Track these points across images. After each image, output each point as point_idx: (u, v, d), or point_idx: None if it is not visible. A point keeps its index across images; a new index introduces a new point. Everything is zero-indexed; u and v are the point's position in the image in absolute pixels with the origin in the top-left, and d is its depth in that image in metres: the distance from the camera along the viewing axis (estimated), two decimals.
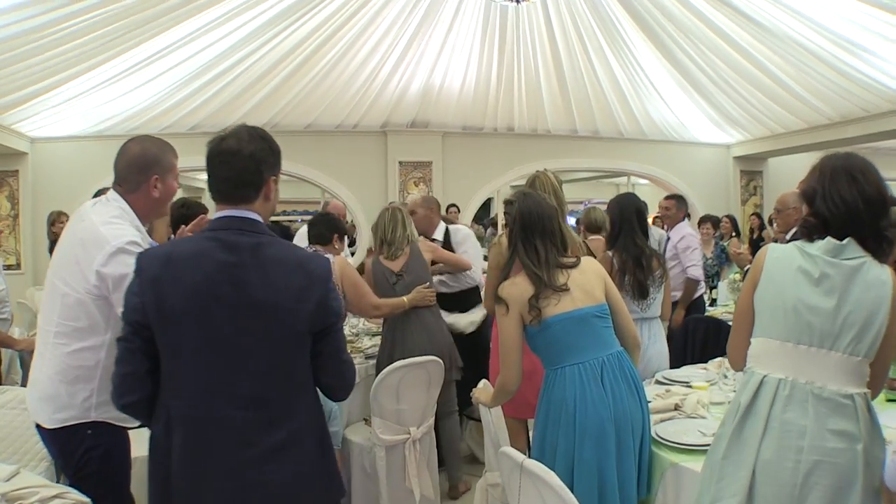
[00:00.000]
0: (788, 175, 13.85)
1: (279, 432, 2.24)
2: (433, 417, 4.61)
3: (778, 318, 2.41)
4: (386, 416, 4.29)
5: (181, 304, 2.17)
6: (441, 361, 4.49)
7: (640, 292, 4.55)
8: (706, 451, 2.68)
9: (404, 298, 4.81)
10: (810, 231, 2.45)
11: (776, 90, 11.06)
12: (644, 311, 4.58)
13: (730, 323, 3.23)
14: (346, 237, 4.60)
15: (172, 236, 3.62)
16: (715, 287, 8.00)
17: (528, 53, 11.05)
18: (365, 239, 12.38)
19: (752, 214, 13.49)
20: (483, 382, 3.63)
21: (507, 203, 3.34)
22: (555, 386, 3.05)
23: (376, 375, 4.34)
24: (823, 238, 2.40)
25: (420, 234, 5.60)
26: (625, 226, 4.61)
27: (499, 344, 3.16)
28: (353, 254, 12.23)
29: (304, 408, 2.32)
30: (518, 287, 3.08)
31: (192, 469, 2.21)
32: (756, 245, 11.57)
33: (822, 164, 2.50)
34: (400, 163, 13.13)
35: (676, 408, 3.44)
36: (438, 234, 5.81)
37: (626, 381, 3.05)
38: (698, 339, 5.97)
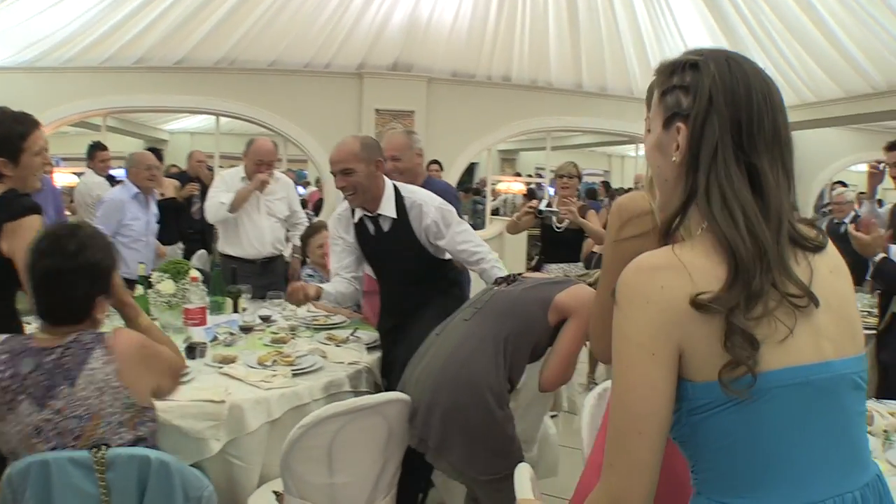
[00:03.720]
0: (815, 152, 12.55)
1: None
2: (393, 493, 2.84)
3: None
4: (309, 495, 2.54)
5: None
6: (407, 401, 2.75)
7: None
8: None
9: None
10: None
11: (826, 50, 9.35)
12: None
13: None
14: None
15: None
16: None
17: None
18: (332, 198, 10.70)
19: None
20: (523, 476, 1.85)
21: (679, 68, 1.37)
22: None
23: None
24: None
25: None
26: None
27: (613, 410, 1.33)
28: (316, 214, 10.56)
29: None
30: (684, 271, 1.24)
31: None
32: None
33: None
34: (377, 111, 11.35)
35: None
36: (387, 207, 3.67)
37: None
38: None
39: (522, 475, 1.83)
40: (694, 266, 1.24)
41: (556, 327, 2.89)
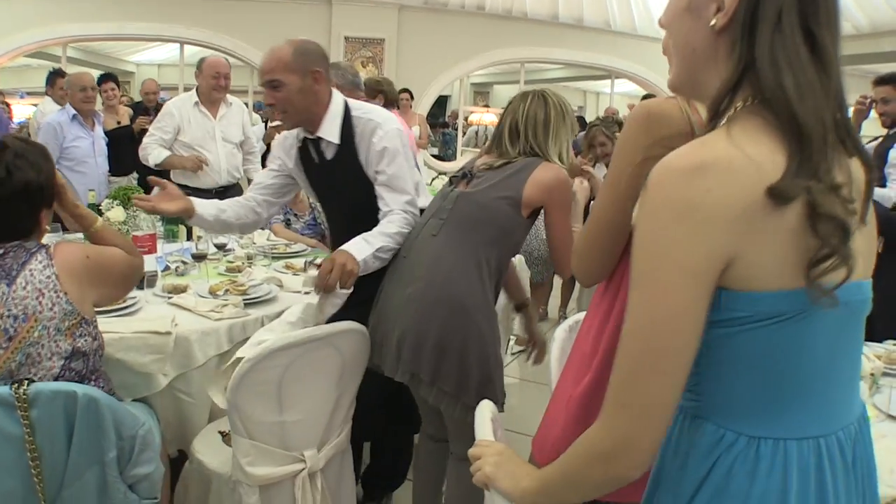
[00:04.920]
0: None
1: None
2: (347, 429, 2.68)
3: None
4: (258, 435, 2.37)
5: None
6: (364, 332, 2.57)
7: None
8: None
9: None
10: None
11: None
12: None
13: None
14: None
15: None
16: None
17: None
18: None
19: None
20: (484, 415, 1.64)
21: None
22: (741, 477, 1.10)
23: None
24: None
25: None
26: None
27: (628, 342, 1.09)
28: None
29: None
30: (738, 165, 1.00)
31: None
32: None
33: None
34: (346, 38, 11.08)
35: None
36: (329, 129, 2.83)
37: (858, 490, 1.16)
38: None
39: (484, 414, 1.65)
40: (760, 153, 1.01)
41: (534, 213, 2.65)
